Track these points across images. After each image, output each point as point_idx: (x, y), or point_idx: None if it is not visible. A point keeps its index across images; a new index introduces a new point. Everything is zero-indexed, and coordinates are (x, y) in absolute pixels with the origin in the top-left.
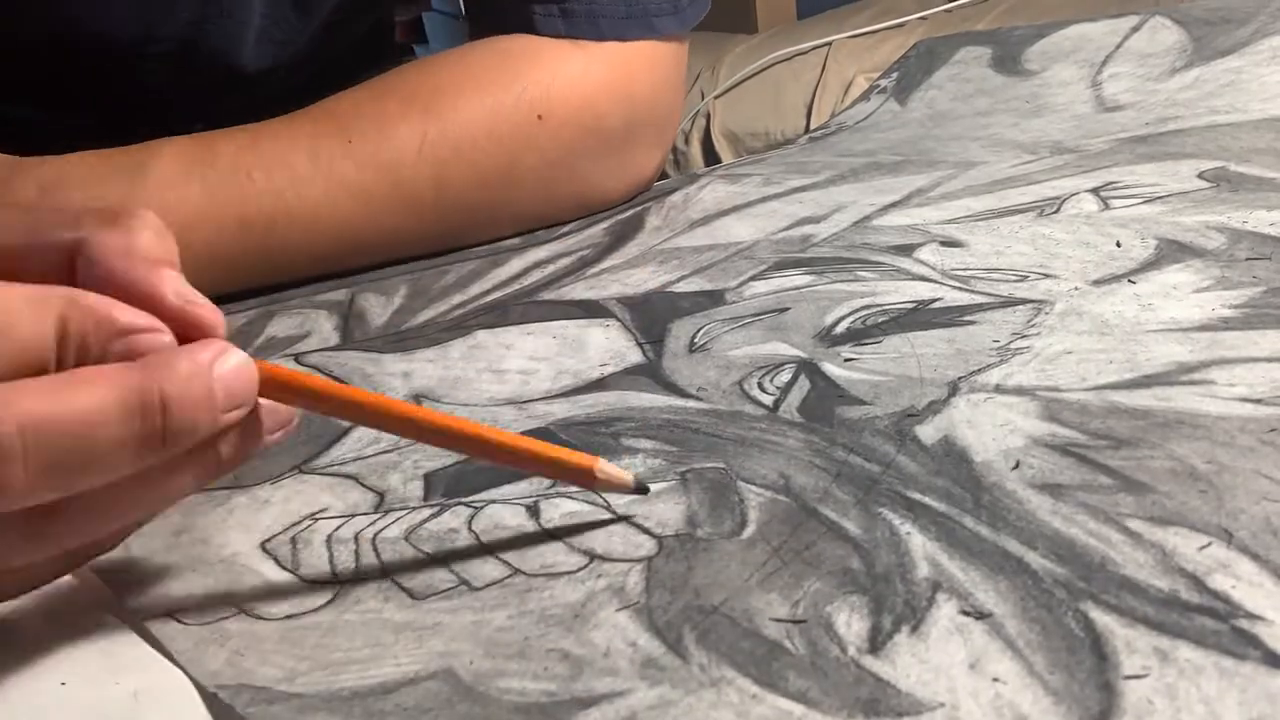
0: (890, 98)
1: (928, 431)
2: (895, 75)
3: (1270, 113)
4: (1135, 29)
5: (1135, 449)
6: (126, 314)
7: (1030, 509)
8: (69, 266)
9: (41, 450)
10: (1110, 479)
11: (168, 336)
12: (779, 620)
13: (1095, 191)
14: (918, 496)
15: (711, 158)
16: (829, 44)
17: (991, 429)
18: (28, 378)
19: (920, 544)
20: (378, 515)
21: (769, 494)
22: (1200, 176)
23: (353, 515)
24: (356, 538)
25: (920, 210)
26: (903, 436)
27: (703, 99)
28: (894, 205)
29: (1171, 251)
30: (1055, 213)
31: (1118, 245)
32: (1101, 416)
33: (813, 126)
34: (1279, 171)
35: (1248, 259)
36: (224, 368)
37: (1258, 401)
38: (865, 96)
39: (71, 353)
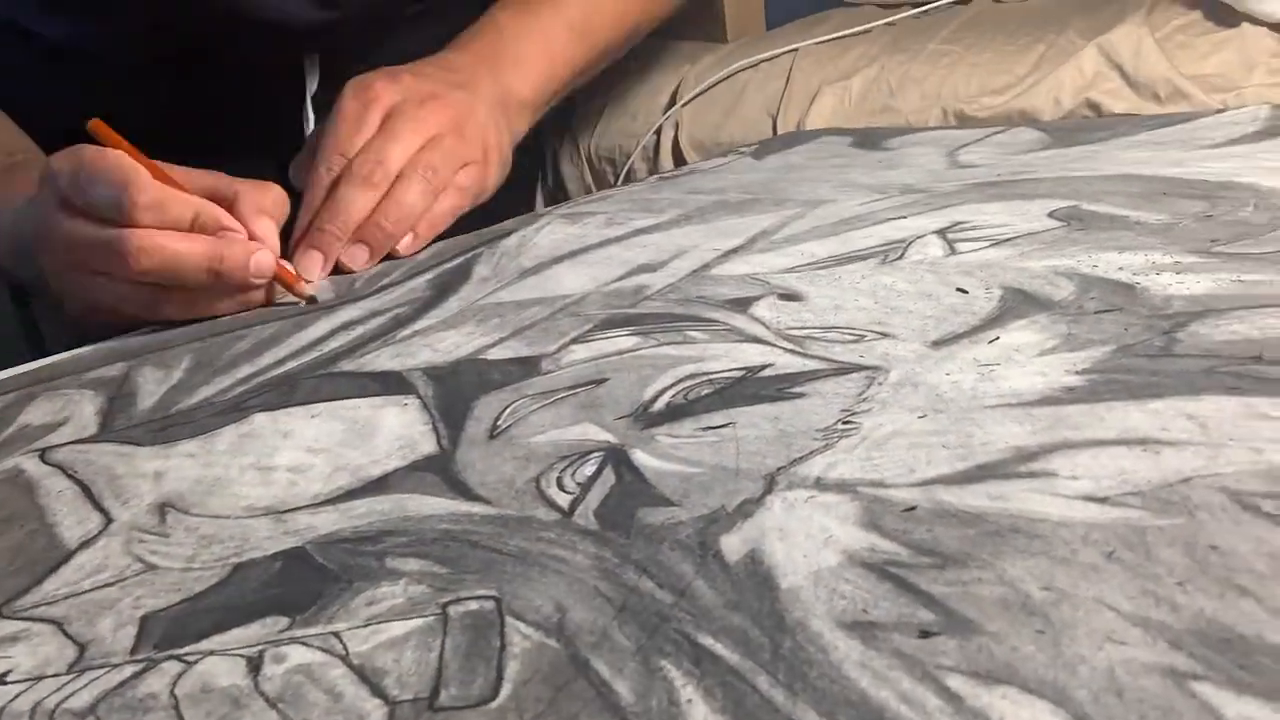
0: (748, 157)
1: (733, 543)
2: (756, 146)
3: (1125, 171)
4: (999, 131)
5: (963, 569)
6: (229, 220)
7: (835, 660)
8: (230, 204)
9: (154, 257)
10: (932, 614)
11: (242, 235)
12: None
13: (942, 234)
14: (708, 643)
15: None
16: (795, 50)
17: (804, 540)
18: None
19: (702, 716)
20: (70, 676)
21: (538, 636)
22: (1051, 215)
23: (40, 677)
24: (34, 710)
25: (762, 256)
26: (705, 551)
27: (671, 107)
28: (736, 250)
29: (1017, 304)
30: (899, 258)
31: (960, 291)
32: (929, 522)
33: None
34: (1131, 210)
35: (1097, 311)
36: (258, 255)
37: (1103, 501)
38: (723, 154)
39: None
